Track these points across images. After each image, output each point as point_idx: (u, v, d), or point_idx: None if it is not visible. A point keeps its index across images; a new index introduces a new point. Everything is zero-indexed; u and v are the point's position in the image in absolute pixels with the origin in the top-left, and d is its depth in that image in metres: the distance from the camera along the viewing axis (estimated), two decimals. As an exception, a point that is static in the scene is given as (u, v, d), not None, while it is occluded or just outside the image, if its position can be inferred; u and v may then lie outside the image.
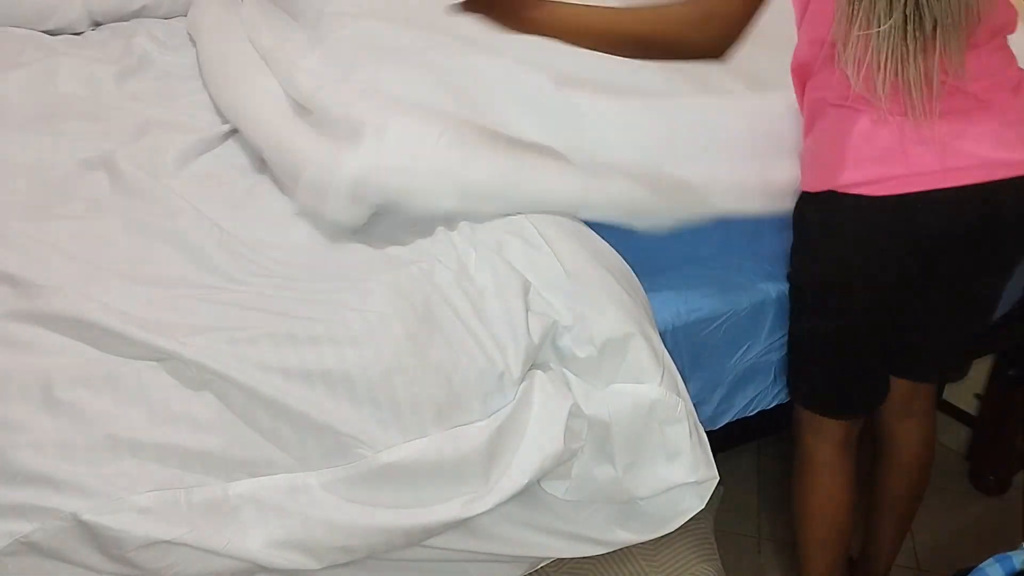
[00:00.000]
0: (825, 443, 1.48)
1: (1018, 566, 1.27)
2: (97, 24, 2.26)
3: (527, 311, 1.21)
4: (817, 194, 1.29)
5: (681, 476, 1.23)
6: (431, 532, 1.11)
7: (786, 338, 1.51)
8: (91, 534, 0.97)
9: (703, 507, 1.26)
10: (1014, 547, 1.29)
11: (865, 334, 1.38)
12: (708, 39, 1.13)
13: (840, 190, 1.24)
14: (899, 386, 1.51)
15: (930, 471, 1.63)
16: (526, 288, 1.25)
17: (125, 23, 2.24)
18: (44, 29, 2.15)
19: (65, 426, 1.01)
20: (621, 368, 1.22)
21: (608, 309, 1.24)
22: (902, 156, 1.21)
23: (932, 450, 1.62)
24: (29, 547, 0.96)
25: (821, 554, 1.55)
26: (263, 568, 1.04)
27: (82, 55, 2.00)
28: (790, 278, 1.42)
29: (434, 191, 1.34)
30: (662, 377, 1.23)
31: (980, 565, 1.30)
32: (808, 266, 1.36)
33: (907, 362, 1.48)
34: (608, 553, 1.35)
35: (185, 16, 2.33)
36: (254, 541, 1.03)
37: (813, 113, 1.31)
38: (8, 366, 1.06)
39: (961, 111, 1.20)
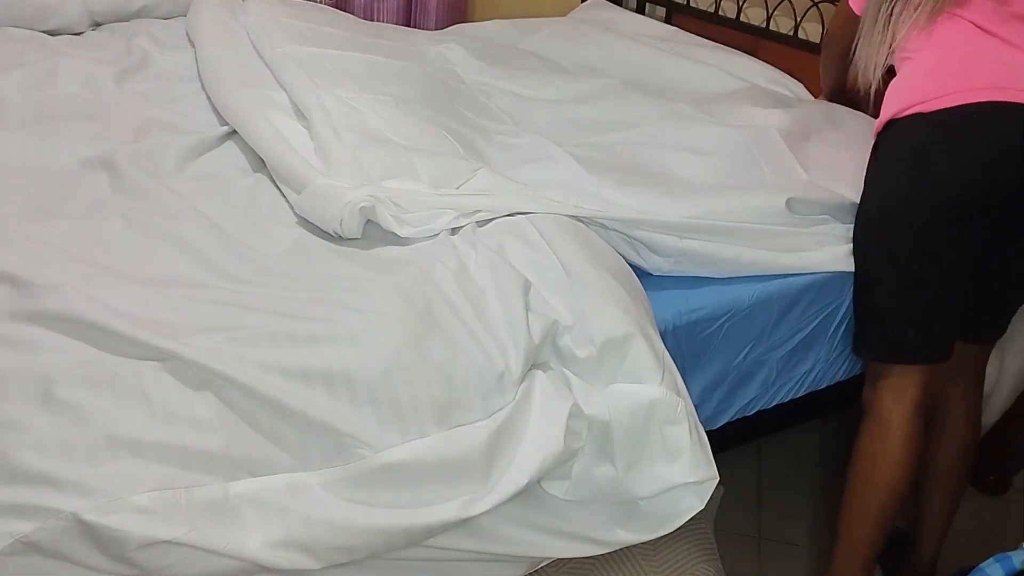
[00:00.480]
0: (901, 404, 1.48)
1: (1018, 566, 1.27)
2: (97, 24, 2.26)
3: (527, 311, 1.21)
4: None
5: (681, 476, 1.23)
6: (431, 532, 1.11)
7: (789, 337, 1.52)
8: (91, 534, 0.97)
9: (703, 507, 1.26)
10: (1014, 547, 1.29)
11: (946, 261, 1.42)
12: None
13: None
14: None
15: (978, 440, 1.65)
16: (526, 288, 1.25)
17: (125, 23, 2.24)
18: (44, 29, 2.15)
19: (65, 426, 1.01)
20: (621, 368, 1.22)
21: (608, 309, 1.24)
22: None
23: (979, 417, 1.65)
24: (29, 547, 0.96)
25: (878, 524, 1.53)
26: (263, 568, 1.04)
27: (82, 55, 1.99)
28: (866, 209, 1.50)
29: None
30: (662, 377, 1.23)
31: (980, 565, 1.30)
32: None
33: (980, 320, 1.53)
34: (608, 553, 1.35)
35: (185, 16, 2.33)
36: (254, 541, 1.03)
37: None
38: (8, 366, 1.06)
39: None
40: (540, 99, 1.93)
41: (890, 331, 1.48)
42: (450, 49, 2.10)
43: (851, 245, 1.54)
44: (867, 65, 1.53)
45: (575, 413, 1.17)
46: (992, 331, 1.60)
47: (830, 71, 1.92)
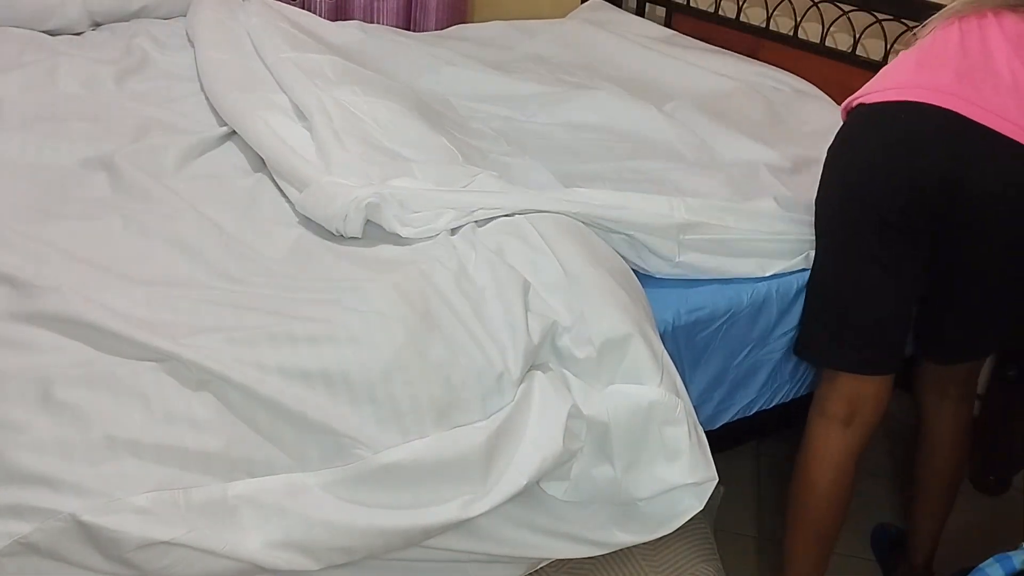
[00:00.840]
0: (838, 425, 1.45)
1: (1018, 566, 1.27)
2: (97, 24, 2.26)
3: (527, 311, 1.21)
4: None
5: (680, 477, 1.23)
6: (430, 533, 1.11)
7: (788, 337, 1.52)
8: (90, 535, 0.96)
9: (702, 508, 1.26)
10: (1014, 547, 1.29)
11: (892, 270, 1.35)
12: None
13: None
14: (933, 368, 1.53)
15: (968, 450, 1.63)
16: (526, 288, 1.24)
17: (125, 23, 2.24)
18: (44, 29, 2.15)
19: (64, 426, 1.01)
20: (620, 369, 1.22)
21: (607, 309, 1.24)
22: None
23: (969, 427, 1.61)
24: (28, 548, 0.96)
25: (817, 547, 1.52)
26: (261, 569, 1.04)
27: (82, 55, 2.00)
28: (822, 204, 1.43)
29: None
30: (661, 378, 1.23)
31: (980, 565, 1.29)
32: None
33: (935, 343, 1.49)
34: (608, 553, 1.35)
35: (185, 16, 2.33)
36: (253, 542, 1.02)
37: None
38: (7, 366, 1.06)
39: None
40: (532, 122, 1.97)
41: (813, 334, 1.47)
42: (441, 71, 2.13)
43: None
44: None
45: (574, 414, 1.17)
46: (960, 357, 1.54)
47: None
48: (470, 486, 1.11)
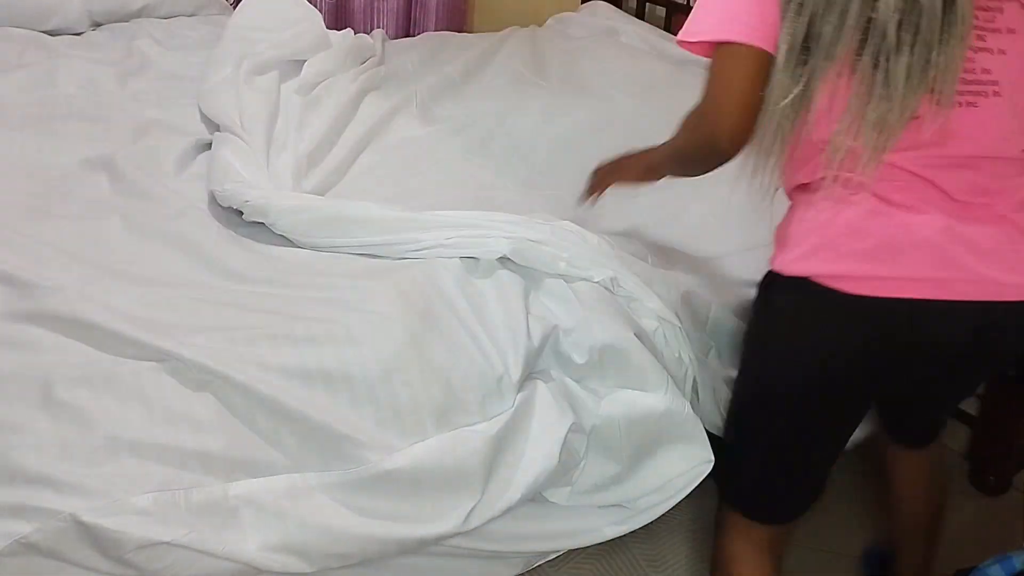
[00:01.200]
0: (749, 546, 1.26)
1: (1018, 566, 1.27)
2: (97, 24, 2.26)
3: (527, 315, 1.20)
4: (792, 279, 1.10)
5: (679, 467, 1.25)
6: (426, 544, 1.11)
7: None
8: (90, 535, 0.97)
9: (695, 487, 1.26)
10: (1014, 547, 1.29)
11: (823, 438, 1.20)
12: (705, 138, 1.07)
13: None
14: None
15: (946, 489, 1.50)
16: (526, 292, 1.24)
17: (125, 23, 2.24)
18: (44, 29, 2.15)
19: (65, 426, 1.01)
20: (623, 374, 1.22)
21: (609, 314, 1.23)
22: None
23: (942, 468, 1.48)
24: (28, 547, 0.96)
25: None
26: (257, 570, 1.04)
27: (82, 56, 2.00)
28: (744, 370, 1.23)
29: None
30: (667, 386, 1.23)
31: (980, 565, 1.30)
32: (775, 359, 1.16)
33: (897, 430, 1.39)
34: (608, 552, 1.36)
35: (185, 16, 2.33)
36: (251, 544, 1.02)
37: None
38: (8, 366, 1.06)
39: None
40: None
41: (746, 481, 1.25)
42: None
43: None
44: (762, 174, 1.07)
45: (575, 429, 1.17)
46: (931, 437, 1.42)
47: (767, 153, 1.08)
48: (469, 496, 1.11)
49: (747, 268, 1.38)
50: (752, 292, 1.21)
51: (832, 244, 1.06)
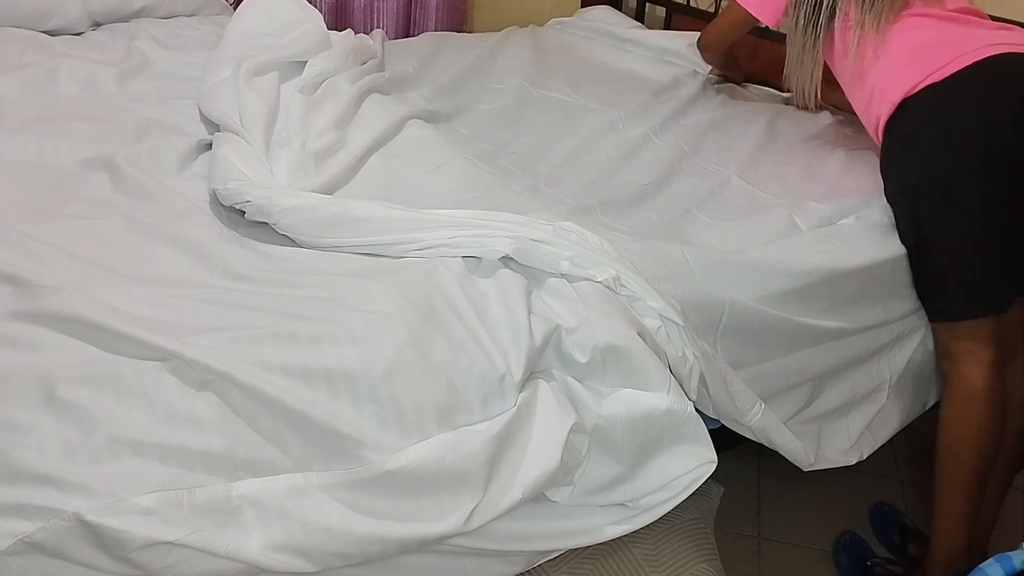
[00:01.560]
0: (980, 367, 1.53)
1: (1018, 566, 1.27)
2: (97, 24, 2.26)
3: (529, 314, 1.21)
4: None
5: (682, 467, 1.25)
6: (427, 544, 1.11)
7: None
8: (94, 534, 0.97)
9: (698, 486, 1.26)
10: (1014, 547, 1.29)
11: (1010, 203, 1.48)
12: (699, 41, 2.14)
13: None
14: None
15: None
16: (529, 290, 1.25)
17: (125, 23, 2.24)
18: (44, 29, 2.15)
19: (67, 426, 1.01)
20: (626, 373, 1.22)
21: (612, 313, 1.24)
22: None
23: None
24: (32, 547, 0.96)
25: (973, 485, 1.57)
26: (260, 569, 1.04)
27: (82, 56, 1.99)
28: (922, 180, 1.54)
29: None
30: (669, 386, 1.23)
31: (980, 565, 1.30)
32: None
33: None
34: (608, 552, 1.36)
35: (185, 16, 2.33)
36: (253, 543, 1.02)
37: None
38: (10, 366, 1.06)
39: None
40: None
41: (974, 285, 1.52)
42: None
43: (845, 246, 1.54)
44: (804, 88, 1.75)
45: (577, 429, 1.17)
46: None
47: (716, 62, 2.23)
48: (470, 496, 1.11)
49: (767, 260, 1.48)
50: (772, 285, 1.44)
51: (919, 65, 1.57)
